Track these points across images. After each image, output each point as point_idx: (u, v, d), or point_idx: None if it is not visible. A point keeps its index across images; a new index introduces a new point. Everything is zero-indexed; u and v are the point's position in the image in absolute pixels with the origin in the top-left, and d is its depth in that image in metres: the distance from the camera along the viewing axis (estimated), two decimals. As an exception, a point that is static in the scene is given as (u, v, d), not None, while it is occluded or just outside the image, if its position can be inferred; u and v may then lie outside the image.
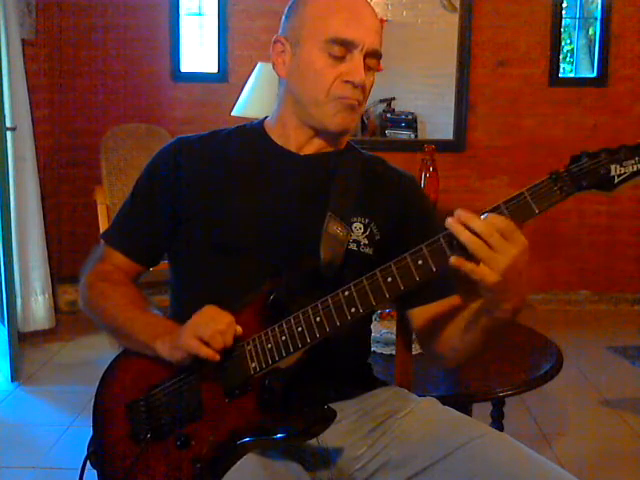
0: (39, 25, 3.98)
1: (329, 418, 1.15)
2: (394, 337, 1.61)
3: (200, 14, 4.41)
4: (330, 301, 1.13)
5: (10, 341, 3.16)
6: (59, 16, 4.08)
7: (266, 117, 1.44)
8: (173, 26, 4.18)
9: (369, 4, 1.33)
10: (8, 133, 3.35)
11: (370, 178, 1.39)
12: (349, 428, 1.32)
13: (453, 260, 1.03)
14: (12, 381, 3.18)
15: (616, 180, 0.99)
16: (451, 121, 4.27)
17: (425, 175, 3.05)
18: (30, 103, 3.66)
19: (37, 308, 3.72)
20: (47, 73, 4.10)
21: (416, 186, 1.48)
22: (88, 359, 3.38)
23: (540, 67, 4.24)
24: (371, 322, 1.53)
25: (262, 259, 1.30)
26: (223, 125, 1.49)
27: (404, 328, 1.52)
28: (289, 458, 1.20)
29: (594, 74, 4.33)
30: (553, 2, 4.18)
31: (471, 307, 1.19)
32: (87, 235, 3.96)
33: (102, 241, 1.45)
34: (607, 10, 4.20)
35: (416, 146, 3.74)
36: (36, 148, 3.72)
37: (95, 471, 1.33)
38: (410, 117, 4.28)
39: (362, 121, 4.22)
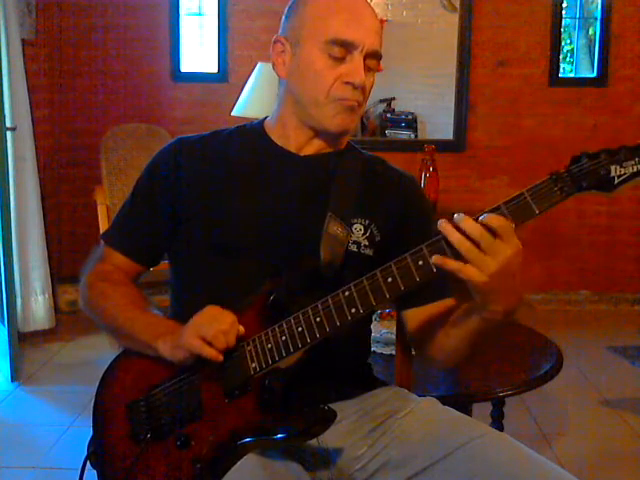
0: (39, 25, 3.98)
1: (329, 418, 1.15)
2: (394, 337, 1.61)
3: (200, 14, 4.40)
4: (330, 301, 1.13)
5: (10, 341, 3.15)
6: (59, 16, 4.08)
7: (266, 117, 1.44)
8: (173, 26, 4.18)
9: (369, 5, 1.33)
10: (8, 133, 3.35)
11: (370, 178, 1.39)
12: (349, 428, 1.32)
13: (435, 259, 1.03)
14: (12, 381, 3.17)
15: (616, 181, 1.00)
16: (451, 121, 4.27)
17: (425, 175, 3.05)
18: (30, 103, 3.66)
19: (37, 308, 3.72)
20: (47, 73, 4.10)
21: (416, 186, 1.48)
22: (88, 359, 3.38)
23: (540, 67, 4.24)
24: (371, 322, 1.53)
25: (262, 259, 1.30)
26: (223, 125, 1.49)
27: (404, 328, 1.52)
28: (289, 458, 1.20)
29: (594, 74, 4.33)
30: (553, 2, 4.18)
31: (462, 307, 1.20)
32: (87, 235, 3.96)
33: (102, 241, 1.45)
34: (607, 10, 4.20)
35: (416, 146, 3.75)
36: (36, 148, 3.71)
37: (95, 471, 1.33)
38: (410, 117, 4.28)
39: (362, 121, 4.22)
